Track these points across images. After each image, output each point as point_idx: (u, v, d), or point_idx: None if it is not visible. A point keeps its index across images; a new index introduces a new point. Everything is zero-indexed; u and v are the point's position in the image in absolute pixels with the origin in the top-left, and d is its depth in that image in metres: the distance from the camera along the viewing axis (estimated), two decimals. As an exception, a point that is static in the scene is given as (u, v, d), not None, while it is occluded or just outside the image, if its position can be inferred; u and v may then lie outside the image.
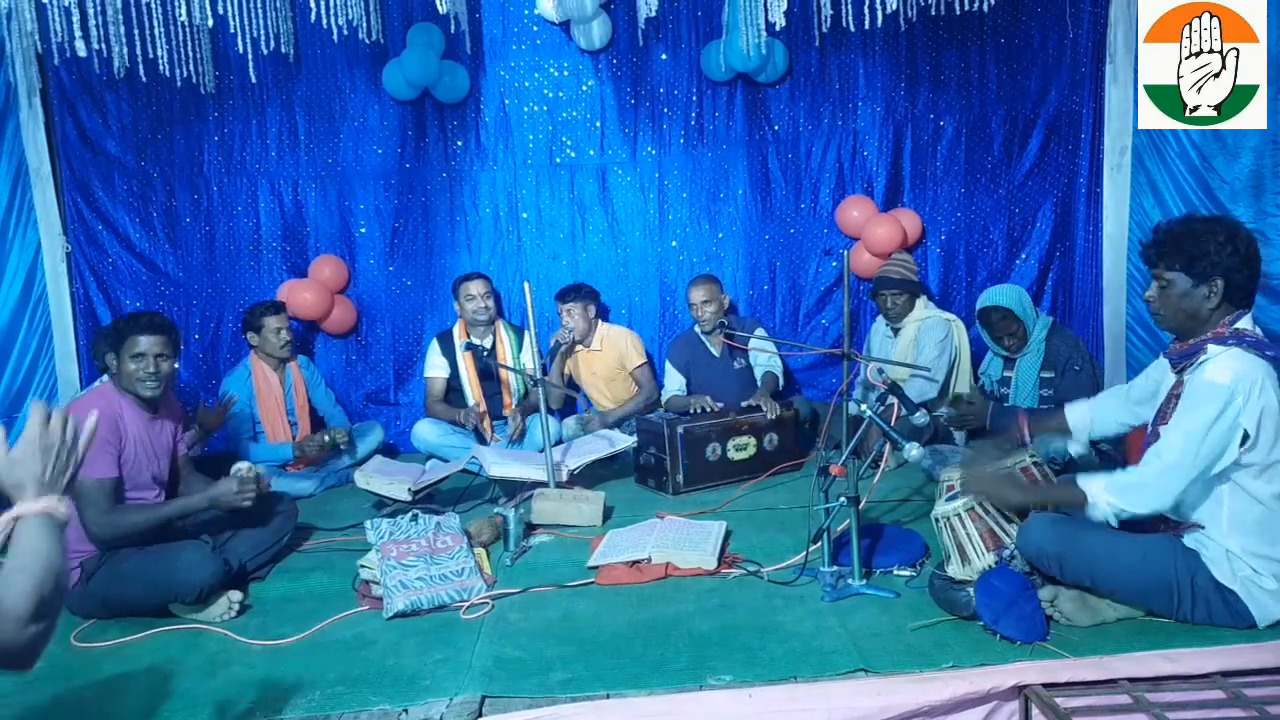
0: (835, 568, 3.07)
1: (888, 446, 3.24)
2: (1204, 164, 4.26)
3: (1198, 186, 4.31)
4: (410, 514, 3.38)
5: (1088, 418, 3.00)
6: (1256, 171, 4.01)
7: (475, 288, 5.03)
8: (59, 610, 1.46)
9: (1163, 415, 2.59)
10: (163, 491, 3.32)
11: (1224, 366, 2.41)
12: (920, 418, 3.30)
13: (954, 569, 2.81)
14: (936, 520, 2.89)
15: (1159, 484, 2.47)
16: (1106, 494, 2.53)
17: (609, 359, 5.14)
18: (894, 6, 3.89)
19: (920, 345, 4.62)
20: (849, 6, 4.05)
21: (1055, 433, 3.11)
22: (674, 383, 5.05)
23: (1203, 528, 2.53)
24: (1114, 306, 5.00)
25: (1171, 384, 2.61)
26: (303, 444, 4.70)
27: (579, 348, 5.14)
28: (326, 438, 4.73)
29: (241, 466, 3.39)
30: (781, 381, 4.88)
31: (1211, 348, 2.48)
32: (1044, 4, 4.99)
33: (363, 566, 3.21)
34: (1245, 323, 2.51)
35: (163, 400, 3.31)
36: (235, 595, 3.11)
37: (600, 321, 5.20)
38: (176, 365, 3.30)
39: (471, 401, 5.01)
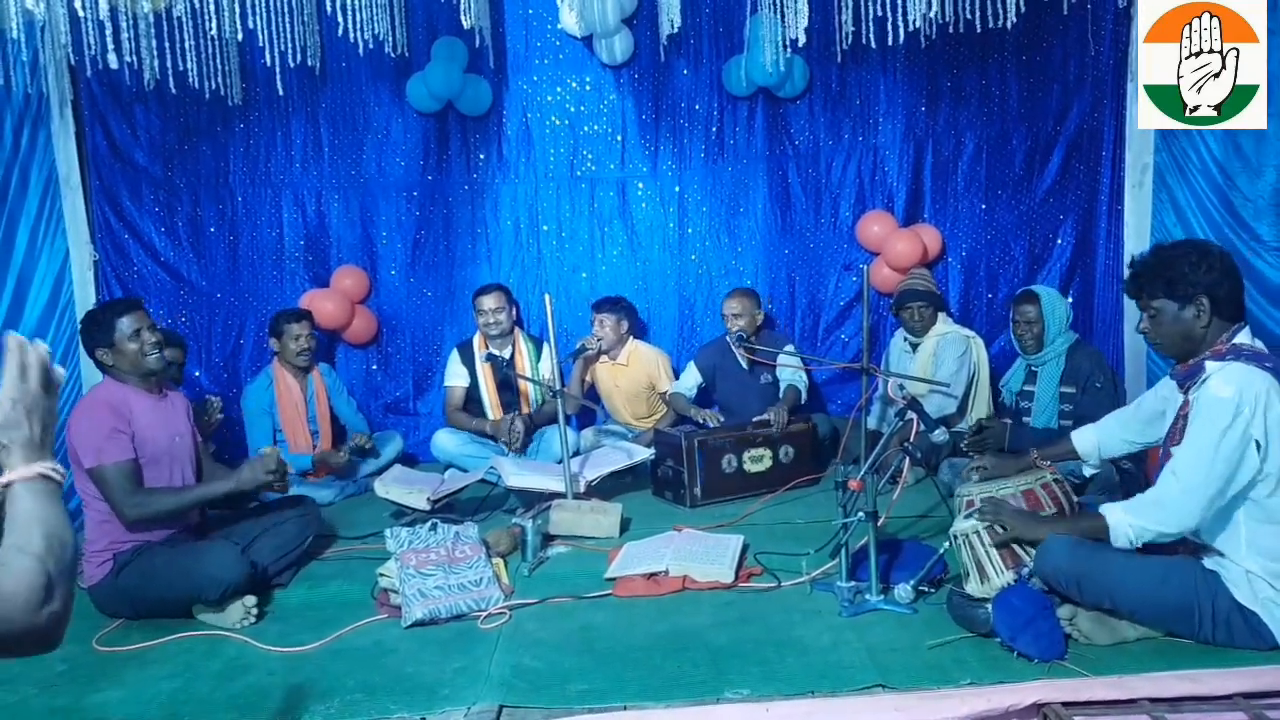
0: (853, 583, 3.07)
1: (906, 462, 3.23)
2: (1227, 181, 4.24)
3: (1220, 204, 4.29)
4: (429, 523, 3.39)
5: (1094, 442, 3.02)
6: (1280, 189, 3.99)
7: (487, 302, 5.04)
8: (72, 582, 1.28)
9: (1173, 436, 2.60)
10: (191, 473, 3.38)
11: (1226, 381, 2.43)
12: (940, 435, 3.29)
13: (972, 586, 2.80)
14: (955, 537, 2.88)
15: (1179, 503, 2.46)
16: (1128, 517, 2.53)
17: (635, 376, 5.16)
18: (915, 24, 3.91)
19: (939, 360, 4.61)
20: (870, 24, 4.06)
21: (1067, 459, 3.13)
22: (686, 381, 5.06)
23: (1222, 554, 2.52)
24: (1135, 325, 4.97)
25: (1179, 404, 2.63)
26: (325, 455, 4.74)
27: (604, 359, 5.16)
28: (350, 444, 4.77)
29: (264, 450, 3.44)
30: (804, 396, 4.88)
31: (1210, 365, 2.50)
32: (1066, 22, 4.99)
33: (381, 575, 3.23)
34: (1243, 337, 2.53)
35: (163, 382, 3.38)
36: (250, 600, 3.12)
37: (633, 338, 5.22)
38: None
39: (490, 413, 5.04)
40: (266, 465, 3.29)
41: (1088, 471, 3.16)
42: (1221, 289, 2.52)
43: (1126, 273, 2.73)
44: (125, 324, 3.21)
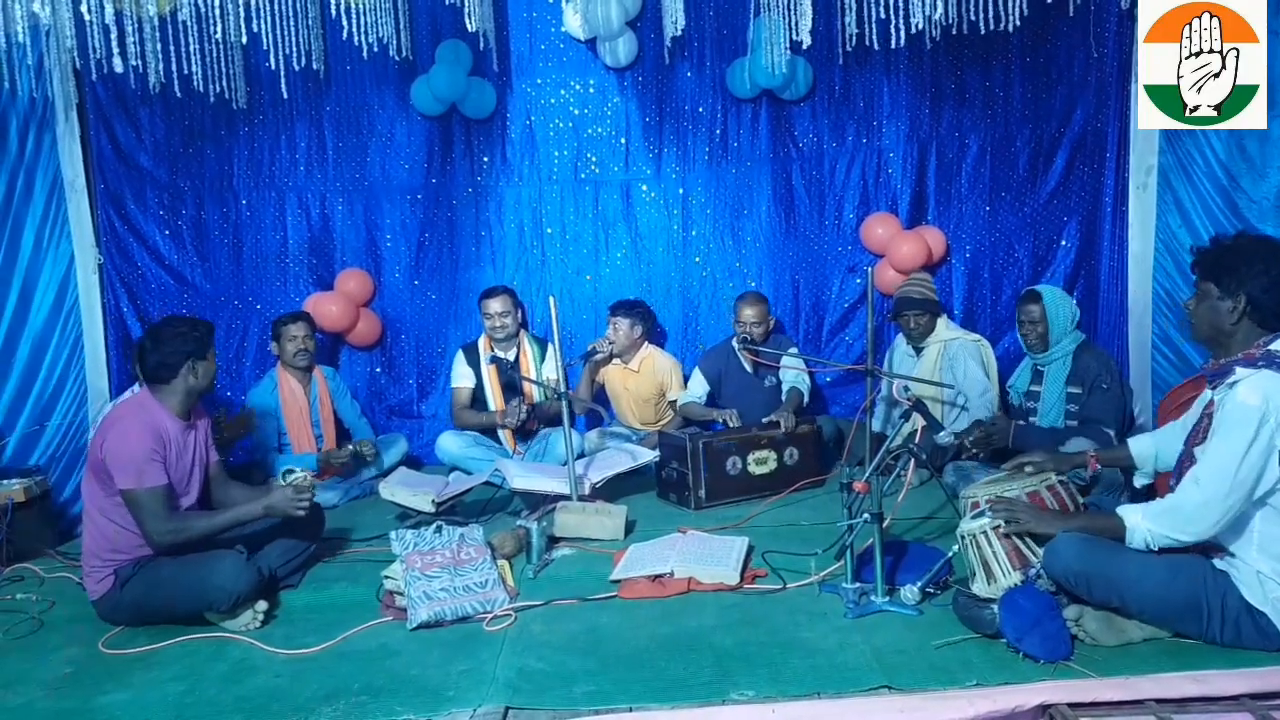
0: (858, 584, 3.07)
1: (911, 463, 3.23)
2: (1231, 183, 4.23)
3: (1225, 206, 4.28)
4: (434, 526, 3.40)
5: (1152, 449, 3.02)
6: (1285, 191, 3.98)
7: (493, 306, 5.05)
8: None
9: (1196, 434, 2.59)
10: (197, 495, 3.37)
11: (1254, 388, 2.41)
12: (945, 437, 3.30)
13: (979, 587, 2.80)
14: (962, 538, 2.88)
15: (1199, 512, 2.46)
16: (1145, 521, 2.53)
17: (646, 382, 5.16)
18: (918, 26, 3.91)
19: (968, 376, 4.55)
20: (873, 26, 4.07)
21: (1122, 465, 3.14)
22: (696, 389, 5.05)
23: (1233, 554, 2.52)
24: (1139, 325, 4.97)
25: (1206, 400, 2.62)
26: (329, 455, 4.74)
27: (616, 361, 5.16)
28: (352, 447, 4.78)
29: (296, 474, 3.43)
30: (807, 398, 4.87)
31: (1240, 370, 2.48)
32: (1070, 23, 4.98)
33: (387, 577, 3.23)
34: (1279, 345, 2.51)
35: (194, 405, 3.38)
36: (261, 605, 3.13)
37: (648, 345, 5.22)
38: None
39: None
40: (300, 498, 3.25)
41: (1139, 482, 3.13)
42: (1268, 297, 2.50)
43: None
44: (212, 346, 3.34)
